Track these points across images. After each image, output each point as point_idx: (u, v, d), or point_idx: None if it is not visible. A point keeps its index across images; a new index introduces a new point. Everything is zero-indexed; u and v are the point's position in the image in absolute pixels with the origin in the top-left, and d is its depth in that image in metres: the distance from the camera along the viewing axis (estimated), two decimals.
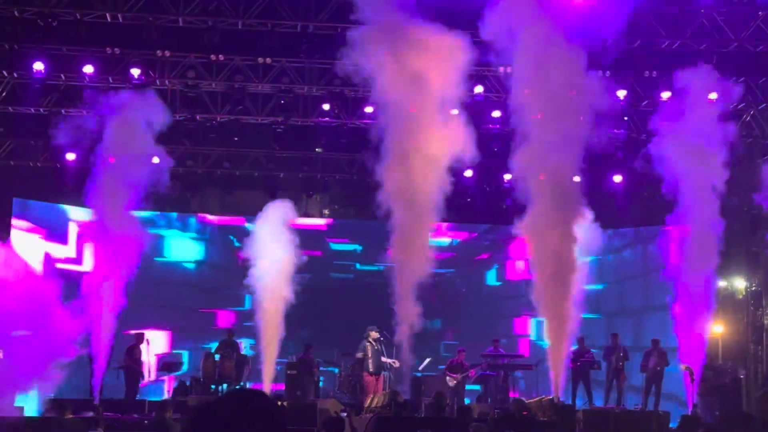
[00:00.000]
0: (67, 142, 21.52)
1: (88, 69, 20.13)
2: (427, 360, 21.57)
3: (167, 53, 20.03)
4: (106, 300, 18.61)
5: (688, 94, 19.78)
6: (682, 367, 20.23)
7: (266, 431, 3.72)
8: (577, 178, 20.63)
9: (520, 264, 26.15)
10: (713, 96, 20.21)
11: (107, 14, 19.23)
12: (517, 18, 18.10)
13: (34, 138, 22.70)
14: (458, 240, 27.35)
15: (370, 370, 19.60)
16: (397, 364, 20.11)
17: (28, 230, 22.85)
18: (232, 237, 26.29)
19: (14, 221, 22.41)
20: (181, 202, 24.39)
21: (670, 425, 17.72)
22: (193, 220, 26.09)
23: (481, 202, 24.28)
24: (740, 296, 23.09)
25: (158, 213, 24.14)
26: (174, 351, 24.17)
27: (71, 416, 15.23)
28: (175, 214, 25.43)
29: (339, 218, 26.68)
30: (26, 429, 14.91)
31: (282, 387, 20.92)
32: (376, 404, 17.59)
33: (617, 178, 22.93)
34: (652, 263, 23.77)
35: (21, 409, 17.30)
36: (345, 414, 16.81)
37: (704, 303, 19.85)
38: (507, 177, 23.51)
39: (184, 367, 23.20)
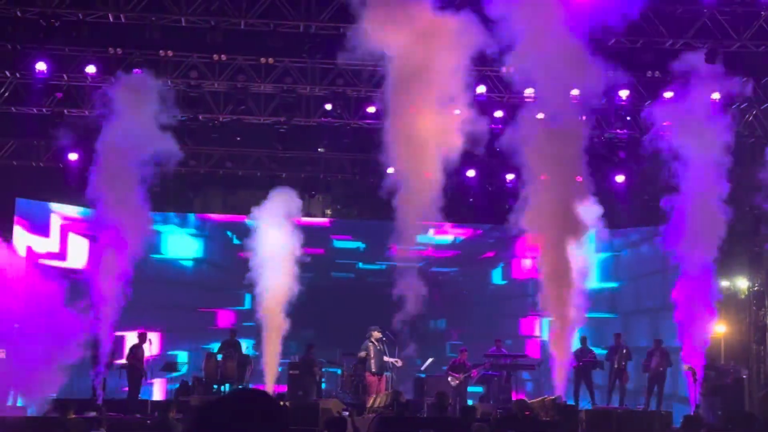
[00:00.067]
0: (70, 142, 21.60)
1: (91, 69, 20.15)
2: (430, 360, 21.56)
3: (170, 53, 20.06)
4: (108, 299, 18.61)
5: (691, 93, 19.81)
6: (685, 367, 20.22)
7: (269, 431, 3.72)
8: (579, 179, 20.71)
9: (526, 262, 25.99)
10: (716, 96, 20.22)
11: (110, 14, 19.25)
12: (520, 16, 18.13)
13: (37, 138, 22.72)
14: (462, 237, 27.19)
15: (373, 370, 19.59)
16: (399, 363, 20.12)
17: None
18: (229, 233, 26.14)
19: None
20: (184, 202, 24.39)
21: (673, 425, 17.72)
22: (191, 216, 25.94)
23: (484, 202, 24.26)
24: (743, 296, 23.08)
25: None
26: (169, 352, 23.92)
27: (74, 416, 15.24)
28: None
29: (341, 218, 26.68)
30: (29, 429, 14.91)
31: (284, 388, 20.91)
32: (379, 404, 17.60)
33: (619, 178, 22.89)
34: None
35: (24, 409, 17.32)
36: (347, 414, 16.82)
37: (706, 303, 19.84)
38: (509, 177, 23.55)
39: (183, 368, 23.14)
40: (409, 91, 18.08)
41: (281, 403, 17.34)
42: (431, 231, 26.38)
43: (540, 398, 19.21)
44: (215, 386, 20.22)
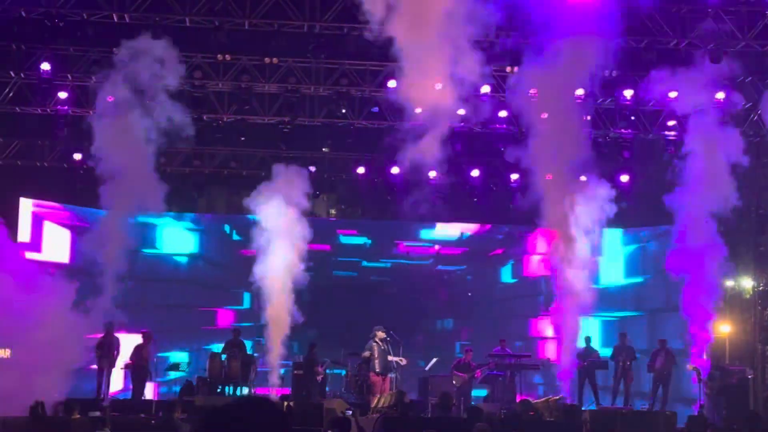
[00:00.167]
0: (74, 142, 21.63)
1: (95, 69, 20.17)
2: (434, 360, 21.56)
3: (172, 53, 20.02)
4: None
5: (695, 93, 19.83)
6: (689, 367, 20.21)
7: None
8: (583, 178, 20.74)
9: (537, 259, 25.74)
10: (720, 95, 20.22)
11: (114, 14, 19.26)
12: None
13: (41, 138, 22.75)
14: (469, 233, 27.00)
15: (377, 370, 19.60)
16: (404, 362, 20.14)
17: None
18: (227, 227, 25.91)
19: None
20: (188, 202, 24.39)
21: (678, 425, 17.70)
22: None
23: (488, 201, 24.25)
24: (747, 296, 23.03)
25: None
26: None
27: (78, 416, 15.24)
28: None
29: (346, 218, 26.69)
30: (33, 429, 14.92)
31: (286, 391, 20.91)
32: (383, 404, 17.59)
33: (624, 178, 22.86)
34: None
35: (30, 408, 17.28)
36: (350, 413, 16.81)
37: (710, 304, 19.87)
38: (514, 177, 23.55)
39: (185, 368, 23.04)
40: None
41: (286, 403, 17.36)
42: (437, 227, 26.38)
43: (544, 398, 19.23)
44: (219, 386, 20.21)
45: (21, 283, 16.45)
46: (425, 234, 27.11)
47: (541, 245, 24.49)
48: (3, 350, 16.77)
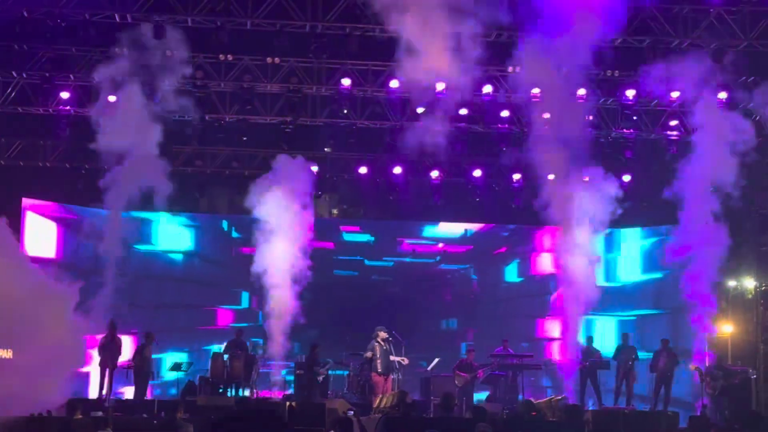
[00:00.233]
0: (77, 142, 21.65)
1: (97, 69, 20.18)
2: (436, 360, 21.54)
3: (175, 53, 20.01)
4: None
5: (697, 93, 19.84)
6: (692, 367, 20.19)
7: None
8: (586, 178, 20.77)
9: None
10: (723, 95, 20.20)
11: (116, 14, 19.26)
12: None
13: (43, 138, 22.77)
14: (473, 230, 26.89)
15: (379, 370, 19.59)
16: (406, 362, 20.14)
17: None
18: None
19: None
20: (190, 202, 24.40)
21: (680, 426, 17.69)
22: None
23: (490, 201, 24.27)
24: (750, 296, 23.02)
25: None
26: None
27: (80, 416, 15.24)
28: None
29: (348, 218, 26.68)
30: (35, 429, 14.93)
31: (280, 394, 20.93)
32: (385, 404, 17.58)
33: (626, 178, 22.87)
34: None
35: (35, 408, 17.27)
36: (352, 413, 16.80)
37: (711, 304, 19.87)
38: (516, 177, 23.58)
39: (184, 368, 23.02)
40: None
41: (288, 404, 17.37)
42: (440, 224, 26.33)
43: (547, 398, 19.22)
44: (222, 387, 20.21)
45: (24, 283, 16.43)
46: (429, 231, 27.06)
47: (548, 242, 24.42)
48: (5, 350, 16.75)
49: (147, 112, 19.55)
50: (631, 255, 24.85)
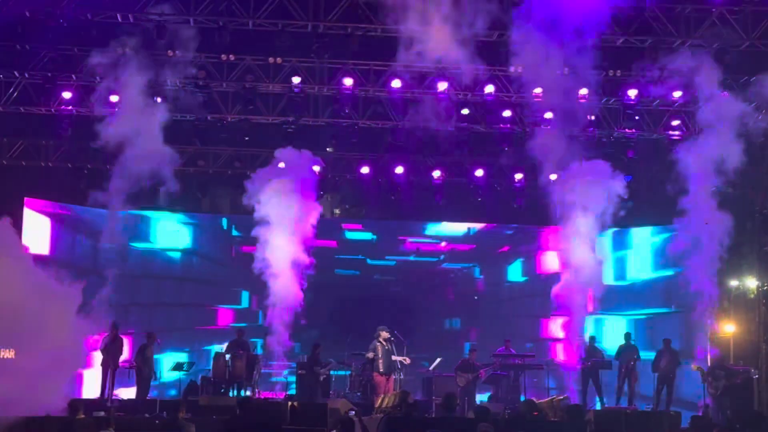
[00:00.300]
0: (79, 141, 21.68)
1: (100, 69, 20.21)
2: (438, 360, 21.54)
3: (178, 53, 20.03)
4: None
5: (700, 93, 19.84)
6: (694, 367, 20.18)
7: None
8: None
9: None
10: (724, 95, 20.19)
11: (118, 14, 19.26)
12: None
13: (46, 138, 22.79)
14: (476, 228, 26.80)
15: (381, 370, 19.58)
16: (408, 361, 20.14)
17: None
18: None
19: None
20: (192, 202, 24.42)
21: (682, 426, 17.67)
22: None
23: (492, 201, 24.28)
24: (752, 296, 22.99)
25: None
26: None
27: (83, 416, 15.24)
28: None
29: (350, 218, 26.69)
30: (36, 429, 14.92)
31: (281, 395, 20.94)
32: (387, 404, 17.58)
33: (627, 177, 22.85)
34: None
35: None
36: (353, 413, 16.81)
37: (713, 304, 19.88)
38: (518, 176, 23.59)
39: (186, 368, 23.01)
40: None
41: (290, 403, 17.37)
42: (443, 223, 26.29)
43: (548, 398, 19.21)
44: (223, 386, 20.22)
45: (28, 284, 16.43)
46: (431, 230, 27.02)
47: (553, 241, 24.36)
48: (7, 350, 16.75)
49: (149, 111, 19.53)
50: (642, 252, 24.65)
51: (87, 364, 19.58)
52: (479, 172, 23.79)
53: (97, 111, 20.45)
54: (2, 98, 21.09)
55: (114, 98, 20.34)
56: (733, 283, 22.84)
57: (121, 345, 20.04)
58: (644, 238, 24.74)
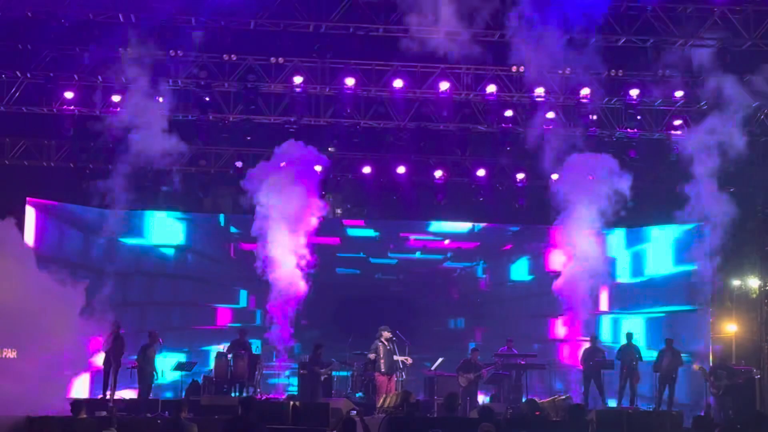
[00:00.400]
0: (81, 142, 21.70)
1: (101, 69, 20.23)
2: (440, 360, 21.53)
3: (180, 53, 20.04)
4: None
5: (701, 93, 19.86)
6: (695, 367, 20.17)
7: None
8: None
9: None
10: (724, 94, 20.21)
11: (120, 14, 19.27)
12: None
13: (47, 138, 22.80)
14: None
15: (382, 370, 19.58)
16: (409, 362, 20.14)
17: None
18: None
19: None
20: (194, 202, 24.41)
21: (684, 425, 17.67)
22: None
23: (494, 201, 24.27)
24: (754, 295, 23.01)
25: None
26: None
27: (85, 416, 15.26)
28: None
29: (352, 218, 26.67)
30: (38, 428, 14.94)
31: (281, 396, 20.92)
32: (389, 404, 17.60)
33: (628, 177, 22.84)
34: None
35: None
36: (355, 413, 16.82)
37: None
38: (519, 176, 23.59)
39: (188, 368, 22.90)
40: None
41: (292, 403, 17.37)
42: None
43: (550, 398, 19.22)
44: (225, 386, 20.21)
45: (31, 284, 16.45)
46: (435, 227, 26.96)
47: (558, 240, 24.26)
48: (10, 350, 16.78)
49: (151, 111, 19.56)
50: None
51: (89, 364, 19.60)
52: (481, 172, 23.79)
53: (99, 111, 20.45)
54: (4, 98, 21.09)
55: (116, 98, 20.36)
56: (736, 283, 22.84)
57: (123, 344, 20.03)
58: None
